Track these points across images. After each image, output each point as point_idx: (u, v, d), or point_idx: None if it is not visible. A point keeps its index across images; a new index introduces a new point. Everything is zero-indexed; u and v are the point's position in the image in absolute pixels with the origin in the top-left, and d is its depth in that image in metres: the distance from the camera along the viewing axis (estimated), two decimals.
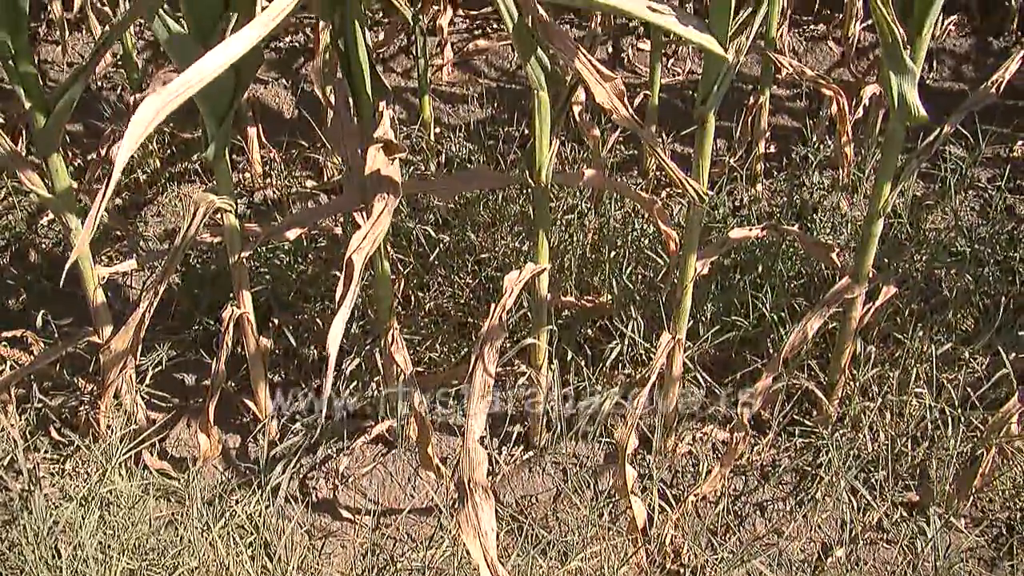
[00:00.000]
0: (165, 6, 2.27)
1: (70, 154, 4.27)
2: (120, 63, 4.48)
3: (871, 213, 2.61)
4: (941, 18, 5.04)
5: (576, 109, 3.54)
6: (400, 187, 2.15)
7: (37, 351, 3.21)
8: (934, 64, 4.91)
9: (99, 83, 4.74)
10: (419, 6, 3.86)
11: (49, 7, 4.20)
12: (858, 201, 3.83)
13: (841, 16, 4.73)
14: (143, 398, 3.07)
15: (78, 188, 3.73)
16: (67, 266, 1.68)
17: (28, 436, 2.97)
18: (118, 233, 3.87)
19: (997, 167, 4.15)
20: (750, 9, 2.12)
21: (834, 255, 2.85)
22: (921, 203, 3.86)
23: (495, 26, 5.13)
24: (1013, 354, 3.03)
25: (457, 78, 4.84)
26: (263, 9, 2.38)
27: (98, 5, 4.23)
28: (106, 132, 3.89)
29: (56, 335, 3.30)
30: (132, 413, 2.96)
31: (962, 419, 2.94)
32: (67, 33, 4.73)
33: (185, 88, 1.47)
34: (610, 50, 4.98)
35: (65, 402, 3.19)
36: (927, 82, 4.81)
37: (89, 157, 4.14)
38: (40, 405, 3.10)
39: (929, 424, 2.98)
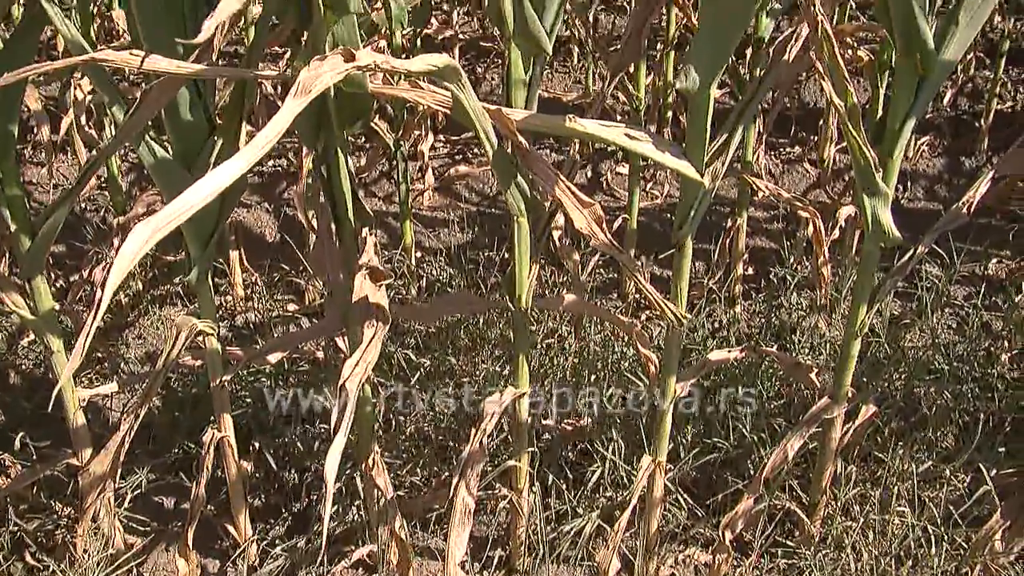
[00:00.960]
0: (151, 131, 2.31)
1: (53, 275, 4.29)
2: (104, 185, 4.53)
3: (848, 333, 2.64)
4: (913, 139, 5.15)
5: (556, 233, 3.58)
6: (389, 314, 2.16)
7: (14, 473, 3.19)
8: (908, 184, 5.01)
9: (83, 205, 4.77)
10: (400, 132, 3.93)
11: (36, 129, 4.26)
12: (836, 321, 3.87)
13: (816, 139, 4.83)
14: (121, 522, 3.04)
15: (61, 309, 3.73)
16: (54, 394, 1.69)
17: (3, 560, 2.93)
18: (99, 355, 3.87)
19: (973, 284, 4.21)
20: (726, 134, 2.16)
21: (813, 375, 2.87)
22: (899, 322, 3.90)
23: (475, 151, 5.21)
24: (994, 471, 3.03)
25: (438, 203, 4.90)
26: (247, 134, 2.42)
27: (85, 128, 4.28)
28: (89, 253, 3.92)
29: (34, 457, 3.28)
30: (110, 537, 2.93)
31: (945, 537, 2.93)
32: (53, 155, 4.79)
33: (174, 217, 1.49)
34: (589, 174, 5.05)
35: (41, 525, 3.16)
36: (902, 202, 4.89)
37: (72, 278, 4.16)
38: (16, 528, 3.07)
39: (912, 543, 2.97)
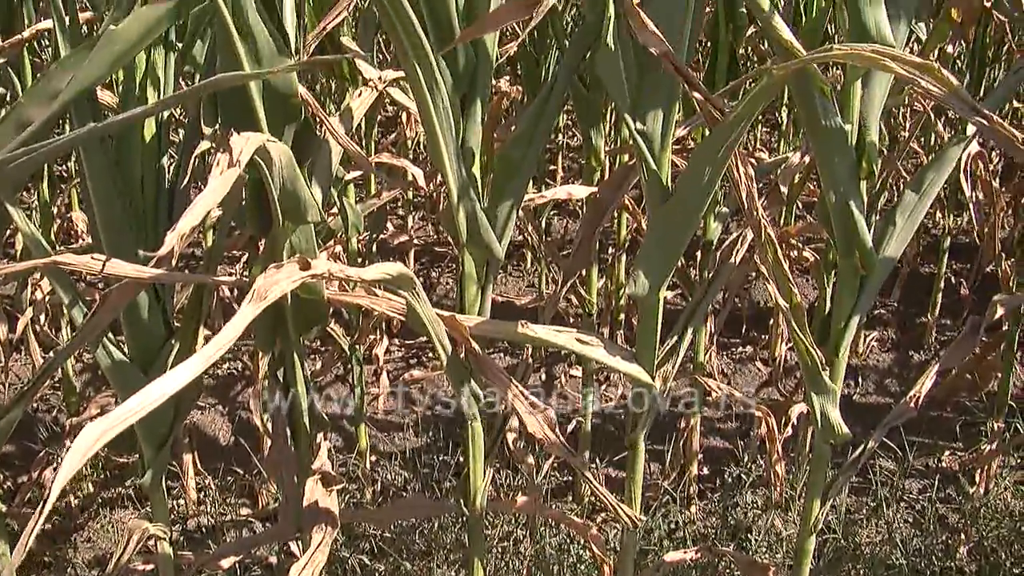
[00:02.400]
0: (108, 332, 2.32)
1: (1, 476, 4.23)
2: (57, 385, 4.50)
3: (803, 530, 2.63)
4: (863, 335, 5.26)
5: (510, 436, 3.59)
6: (338, 519, 2.15)
7: None
8: (859, 379, 5.07)
9: (35, 404, 4.73)
10: (356, 336, 3.96)
11: None
12: (792, 518, 3.87)
13: (767, 337, 4.90)
14: None
15: (8, 512, 3.67)
16: None
17: None
18: (46, 559, 3.79)
19: (927, 478, 4.23)
20: (676, 336, 2.20)
21: (770, 574, 2.85)
22: (854, 516, 3.90)
23: (430, 355, 5.25)
24: None
25: (393, 406, 4.91)
26: (205, 338, 2.44)
27: (45, 329, 4.28)
28: (40, 455, 3.87)
29: None
30: None
31: None
32: (9, 354, 4.77)
33: (127, 416, 1.50)
34: (543, 377, 5.09)
35: None
36: (853, 398, 4.95)
37: (20, 479, 4.10)
38: None
39: None
